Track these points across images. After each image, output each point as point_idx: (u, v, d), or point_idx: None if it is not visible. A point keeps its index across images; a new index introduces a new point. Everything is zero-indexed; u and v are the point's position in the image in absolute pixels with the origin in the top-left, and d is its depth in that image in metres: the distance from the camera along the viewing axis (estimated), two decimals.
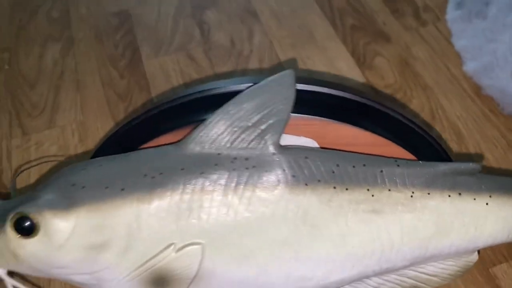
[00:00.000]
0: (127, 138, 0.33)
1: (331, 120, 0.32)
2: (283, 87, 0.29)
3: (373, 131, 0.32)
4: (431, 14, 0.62)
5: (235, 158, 0.29)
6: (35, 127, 0.56)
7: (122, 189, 0.28)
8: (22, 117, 0.57)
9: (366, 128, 0.32)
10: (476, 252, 0.33)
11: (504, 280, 0.42)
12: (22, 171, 0.35)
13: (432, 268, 0.33)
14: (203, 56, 0.61)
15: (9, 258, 0.29)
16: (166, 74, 0.60)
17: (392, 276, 0.33)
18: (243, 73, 0.59)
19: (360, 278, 0.32)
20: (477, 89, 0.54)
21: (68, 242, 0.28)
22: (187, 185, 0.28)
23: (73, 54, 0.63)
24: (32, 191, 0.30)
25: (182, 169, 0.29)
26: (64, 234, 0.28)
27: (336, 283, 0.31)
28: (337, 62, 0.59)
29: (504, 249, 0.43)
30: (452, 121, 0.53)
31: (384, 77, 0.57)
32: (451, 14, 0.60)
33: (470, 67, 0.55)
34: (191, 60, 0.61)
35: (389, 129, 0.32)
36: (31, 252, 0.28)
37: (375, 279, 0.33)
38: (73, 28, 0.66)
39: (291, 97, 0.29)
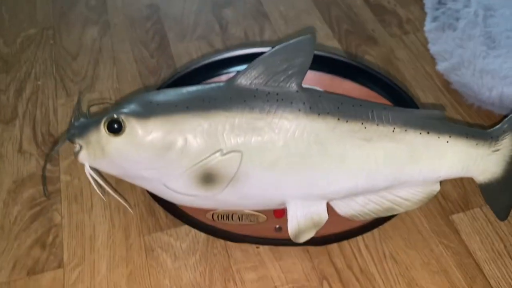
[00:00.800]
0: (186, 79, 0.43)
1: (337, 76, 0.43)
2: (305, 45, 0.40)
3: (368, 86, 0.43)
4: (412, 25, 0.75)
5: (268, 93, 0.40)
6: (77, 91, 0.66)
7: (187, 107, 0.38)
8: (66, 82, 0.67)
9: (362, 83, 0.43)
10: (438, 183, 0.44)
11: (460, 225, 0.53)
12: (93, 105, 0.45)
13: (405, 193, 0.44)
14: (221, 44, 0.72)
15: (98, 152, 0.38)
16: (190, 56, 0.71)
17: (375, 197, 0.44)
18: None
19: (352, 192, 0.42)
20: (447, 84, 0.66)
21: (145, 142, 0.38)
22: (233, 109, 0.39)
23: (109, 35, 0.74)
24: (115, 107, 0.40)
25: (230, 98, 0.39)
26: (143, 135, 0.37)
27: (334, 192, 0.41)
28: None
29: (461, 201, 0.55)
30: (430, 106, 0.64)
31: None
32: (428, 25, 0.73)
33: (441, 66, 0.67)
34: (211, 47, 0.72)
35: (379, 86, 0.44)
36: (116, 147, 0.38)
37: (362, 198, 0.43)
38: (110, 15, 0.77)
39: (311, 52, 0.40)
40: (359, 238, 0.51)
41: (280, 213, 0.46)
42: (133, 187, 0.55)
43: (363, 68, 0.44)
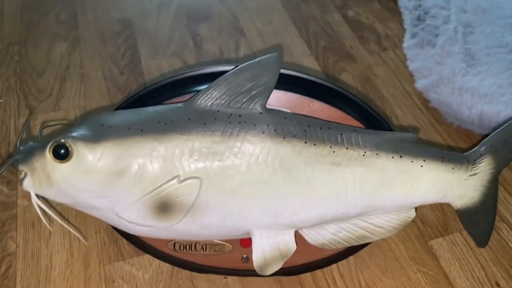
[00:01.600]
0: (141, 101, 0.41)
1: (305, 96, 0.41)
2: (271, 64, 0.38)
3: (337, 107, 0.41)
4: (391, 42, 0.73)
5: (230, 115, 0.37)
6: (41, 109, 0.63)
7: (141, 130, 0.35)
8: (30, 100, 0.64)
9: (332, 104, 0.41)
10: (414, 209, 0.42)
11: (439, 251, 0.50)
12: (46, 126, 0.42)
13: (379, 220, 0.41)
14: (196, 61, 0.70)
15: (43, 180, 0.35)
16: (161, 74, 0.68)
17: (347, 225, 0.41)
18: None
19: (321, 220, 0.39)
20: (426, 102, 0.64)
21: (95, 168, 0.35)
22: (192, 132, 0.36)
23: (78, 52, 0.71)
24: (65, 130, 0.37)
25: (189, 119, 0.36)
26: (92, 161, 0.35)
27: (302, 221, 0.39)
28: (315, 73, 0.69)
29: (440, 226, 0.52)
30: (404, 128, 0.62)
31: (349, 89, 0.67)
32: (407, 42, 0.71)
33: (420, 84, 0.66)
34: (184, 64, 0.70)
35: (350, 106, 0.41)
36: (63, 174, 0.35)
37: (333, 226, 0.41)
38: (80, 30, 0.74)
39: (277, 72, 0.38)
40: (334, 266, 0.48)
41: (247, 243, 0.43)
42: None
43: (332, 87, 0.41)
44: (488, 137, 0.41)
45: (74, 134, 0.35)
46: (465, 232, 0.51)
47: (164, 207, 0.36)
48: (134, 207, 0.36)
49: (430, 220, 0.52)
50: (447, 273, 0.48)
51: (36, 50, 0.71)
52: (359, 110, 0.41)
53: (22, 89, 0.65)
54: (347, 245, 0.42)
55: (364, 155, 0.38)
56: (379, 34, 0.75)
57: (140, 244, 0.44)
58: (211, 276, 0.47)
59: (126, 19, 0.76)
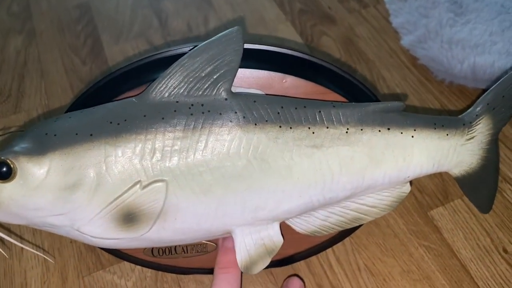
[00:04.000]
0: (93, 98, 0.36)
1: (276, 72, 0.36)
2: (232, 41, 0.33)
3: (313, 80, 0.36)
4: None
5: (192, 105, 0.33)
6: (0, 112, 0.58)
7: (91, 135, 0.31)
8: None
9: (307, 78, 0.36)
10: (408, 183, 0.38)
11: (441, 221, 0.47)
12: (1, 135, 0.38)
13: (371, 199, 0.38)
14: (162, 41, 0.65)
15: None
16: (126, 59, 0.63)
17: (336, 209, 0.37)
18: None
19: (307, 209, 0.36)
20: (413, 60, 0.60)
21: (43, 184, 0.31)
22: (150, 129, 0.32)
23: (35, 45, 0.65)
24: (6, 143, 0.32)
25: (145, 115, 0.32)
26: (39, 177, 0.30)
27: (286, 212, 0.35)
28: (287, 42, 0.64)
29: (439, 194, 0.49)
30: (392, 89, 0.58)
31: (331, 54, 0.62)
32: None
33: (406, 41, 0.61)
34: (150, 45, 0.64)
35: (327, 78, 0.37)
36: (9, 195, 0.31)
37: (322, 211, 0.37)
38: (35, 21, 0.69)
39: (239, 49, 0.33)
40: (329, 250, 0.45)
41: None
42: None
43: (306, 58, 0.37)
44: (484, 94, 0.37)
45: (16, 148, 0.31)
46: (466, 198, 0.48)
47: (128, 218, 0.32)
48: (95, 221, 0.32)
49: (428, 188, 0.49)
50: (451, 244, 0.45)
51: None
52: (339, 82, 0.37)
53: None
54: (340, 229, 0.38)
55: (347, 132, 0.34)
56: None
57: (116, 253, 0.41)
58: (199, 276, 0.44)
59: (83, 3, 0.70)
